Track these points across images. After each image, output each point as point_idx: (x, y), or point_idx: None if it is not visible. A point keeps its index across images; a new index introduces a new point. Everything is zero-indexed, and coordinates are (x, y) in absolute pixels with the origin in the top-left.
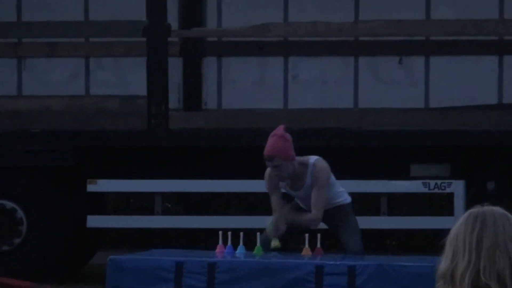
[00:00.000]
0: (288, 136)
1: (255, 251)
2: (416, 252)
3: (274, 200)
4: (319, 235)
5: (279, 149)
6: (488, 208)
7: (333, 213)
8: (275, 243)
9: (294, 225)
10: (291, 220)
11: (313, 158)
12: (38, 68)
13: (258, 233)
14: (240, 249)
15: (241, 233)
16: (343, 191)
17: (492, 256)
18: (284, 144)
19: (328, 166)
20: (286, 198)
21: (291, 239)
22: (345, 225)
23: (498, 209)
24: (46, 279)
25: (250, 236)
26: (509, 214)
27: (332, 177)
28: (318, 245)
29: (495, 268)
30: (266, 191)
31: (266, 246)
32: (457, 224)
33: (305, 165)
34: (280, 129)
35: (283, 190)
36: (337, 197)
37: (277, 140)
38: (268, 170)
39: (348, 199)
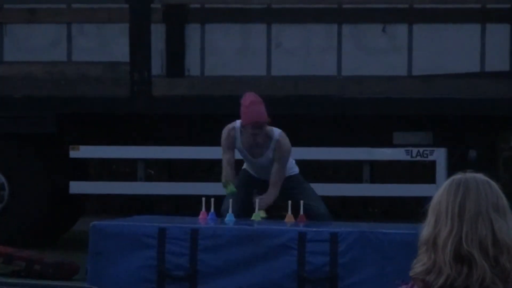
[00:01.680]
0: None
1: (253, 217)
2: (398, 220)
3: (228, 159)
4: (302, 202)
5: (265, 115)
6: (470, 175)
7: (286, 183)
8: (232, 187)
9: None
10: (263, 206)
11: (277, 132)
12: (19, 34)
13: (256, 200)
14: (229, 216)
15: (230, 201)
16: (293, 161)
17: (474, 223)
18: (265, 109)
19: (289, 143)
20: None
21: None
22: (304, 192)
23: (480, 176)
24: (28, 245)
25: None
26: (491, 181)
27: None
28: (301, 212)
29: (477, 235)
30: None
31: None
32: (440, 191)
33: (269, 137)
34: (254, 95)
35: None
36: (289, 168)
37: (260, 106)
38: (226, 128)
39: (297, 169)
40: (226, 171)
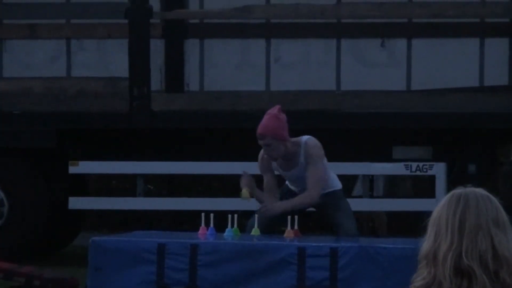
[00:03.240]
0: (283, 116)
1: (253, 232)
2: (398, 235)
3: (267, 181)
4: (296, 217)
5: (271, 128)
6: (470, 190)
7: (324, 199)
8: (245, 193)
9: (295, 210)
10: (288, 207)
11: (304, 138)
12: (19, 49)
13: (255, 215)
14: (228, 231)
15: (229, 216)
16: (334, 177)
17: (474, 238)
18: (277, 124)
19: (320, 144)
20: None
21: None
22: (338, 209)
23: (480, 191)
24: (28, 261)
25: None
26: (491, 196)
27: (325, 162)
28: (296, 227)
29: (477, 249)
30: (258, 172)
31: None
32: (440, 205)
33: (298, 144)
34: (275, 109)
35: (276, 173)
36: (328, 183)
37: (270, 119)
38: (262, 150)
39: (339, 185)
40: (265, 194)
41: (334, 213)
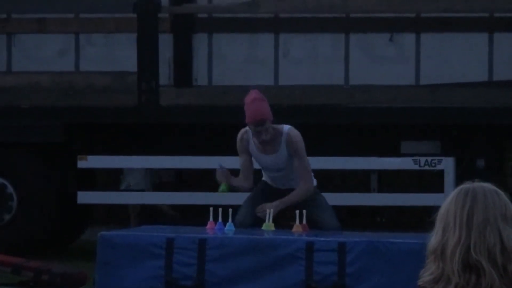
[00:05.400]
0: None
1: (263, 227)
2: (406, 229)
3: (243, 162)
4: (305, 212)
5: (267, 112)
6: (478, 184)
7: None
8: (223, 187)
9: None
10: (286, 204)
11: (286, 127)
12: (27, 44)
13: (268, 211)
14: (229, 226)
15: (230, 210)
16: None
17: (482, 232)
18: (268, 106)
19: (300, 134)
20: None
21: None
22: (316, 203)
23: (488, 185)
24: (36, 255)
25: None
26: (499, 190)
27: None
28: (304, 221)
29: (485, 244)
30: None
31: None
32: (448, 200)
33: (278, 131)
34: (257, 93)
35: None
36: None
37: (262, 103)
38: (240, 132)
39: (314, 181)
40: (240, 175)
41: (314, 210)
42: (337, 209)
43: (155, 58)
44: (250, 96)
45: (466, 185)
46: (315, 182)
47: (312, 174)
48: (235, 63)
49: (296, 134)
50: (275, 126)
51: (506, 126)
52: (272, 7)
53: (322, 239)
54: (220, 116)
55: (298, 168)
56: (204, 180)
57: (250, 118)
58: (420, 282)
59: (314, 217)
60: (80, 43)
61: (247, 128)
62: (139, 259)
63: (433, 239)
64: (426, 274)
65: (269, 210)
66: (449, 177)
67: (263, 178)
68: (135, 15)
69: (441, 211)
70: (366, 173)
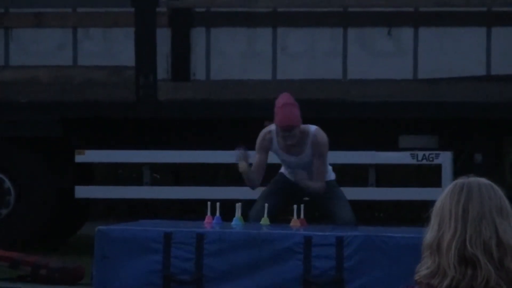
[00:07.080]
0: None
1: (261, 222)
2: (404, 223)
3: (259, 160)
4: (302, 206)
5: (297, 118)
6: (473, 179)
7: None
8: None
9: (304, 189)
10: (304, 184)
11: (313, 128)
12: (25, 38)
13: (266, 205)
14: (236, 220)
15: (237, 204)
16: (330, 168)
17: (478, 226)
18: (298, 112)
19: (327, 138)
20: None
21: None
22: (334, 197)
23: (483, 180)
24: (34, 250)
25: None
26: (494, 184)
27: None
28: (302, 216)
29: (481, 237)
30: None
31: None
32: (443, 195)
33: (305, 133)
34: (288, 97)
35: (281, 157)
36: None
37: (293, 109)
38: (262, 132)
39: (333, 175)
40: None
41: (330, 202)
42: None
43: (153, 52)
44: (281, 100)
45: (461, 179)
46: (333, 175)
47: (331, 167)
48: (233, 57)
49: (322, 136)
50: (302, 127)
51: (504, 121)
52: (270, 1)
53: (320, 233)
54: (218, 111)
55: (315, 166)
56: (202, 175)
57: (280, 123)
58: (416, 277)
59: (330, 208)
60: (78, 37)
61: (269, 128)
62: (137, 253)
63: (429, 233)
64: (423, 269)
65: (267, 204)
66: (446, 172)
67: (281, 170)
68: (133, 10)
69: (437, 205)
70: (364, 167)
